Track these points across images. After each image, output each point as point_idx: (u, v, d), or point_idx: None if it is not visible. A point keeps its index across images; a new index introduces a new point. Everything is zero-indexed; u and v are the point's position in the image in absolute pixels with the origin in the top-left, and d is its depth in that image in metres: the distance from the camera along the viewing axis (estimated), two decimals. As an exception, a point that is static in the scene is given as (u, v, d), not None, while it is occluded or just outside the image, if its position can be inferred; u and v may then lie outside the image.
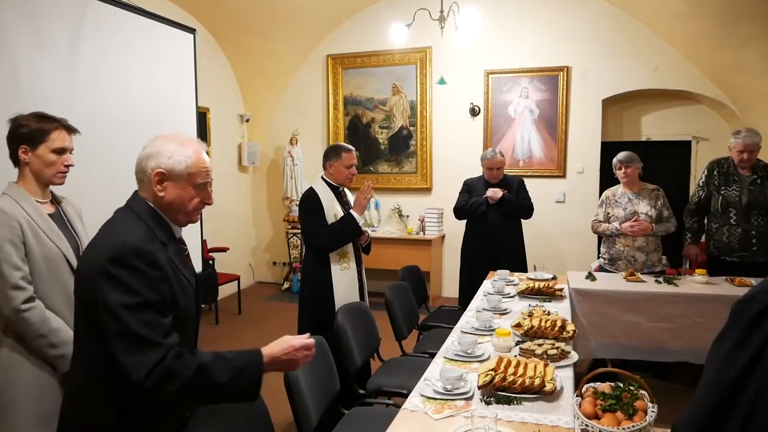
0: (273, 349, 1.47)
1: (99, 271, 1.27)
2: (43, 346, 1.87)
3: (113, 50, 3.62)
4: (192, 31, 4.41)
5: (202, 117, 5.70)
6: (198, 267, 4.51)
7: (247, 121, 6.86)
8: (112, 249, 1.29)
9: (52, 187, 2.08)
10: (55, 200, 2.09)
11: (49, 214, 1.99)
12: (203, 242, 4.80)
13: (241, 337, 5.12)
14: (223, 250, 5.88)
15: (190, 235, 4.37)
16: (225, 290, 5.94)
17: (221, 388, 1.32)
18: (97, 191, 3.53)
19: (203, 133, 5.81)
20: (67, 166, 2.03)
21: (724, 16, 4.69)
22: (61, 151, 1.99)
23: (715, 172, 3.81)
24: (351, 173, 3.28)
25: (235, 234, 6.62)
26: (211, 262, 5.52)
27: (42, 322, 1.87)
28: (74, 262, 1.98)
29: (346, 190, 3.41)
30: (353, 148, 3.36)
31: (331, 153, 3.30)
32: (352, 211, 3.17)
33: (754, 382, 0.69)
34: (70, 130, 2.05)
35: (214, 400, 1.41)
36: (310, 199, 3.21)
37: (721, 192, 3.72)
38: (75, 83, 3.35)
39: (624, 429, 1.48)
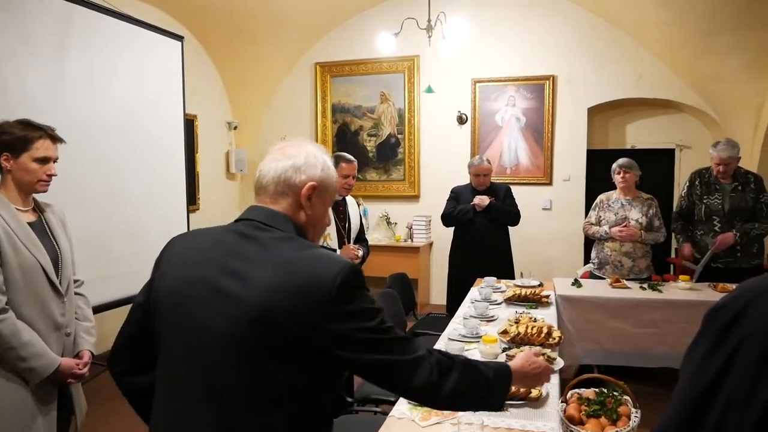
0: (516, 362, 1.41)
1: (325, 299, 1.10)
2: (13, 359, 1.82)
3: (101, 57, 3.62)
4: (180, 38, 4.41)
5: (189, 124, 5.68)
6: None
7: (235, 128, 6.85)
8: (339, 275, 1.11)
9: (37, 195, 2.05)
10: (38, 209, 2.05)
11: (29, 223, 1.95)
12: (190, 250, 4.78)
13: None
14: (211, 257, 5.84)
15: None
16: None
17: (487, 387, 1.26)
18: (85, 198, 3.52)
19: (190, 140, 5.79)
20: (50, 176, 2.00)
21: (706, 26, 4.78)
22: (44, 160, 1.96)
23: (696, 182, 3.87)
24: (347, 183, 3.29)
25: (223, 241, 6.59)
26: (198, 269, 5.49)
27: (13, 334, 1.81)
28: (52, 273, 1.93)
29: (347, 198, 3.43)
30: (354, 160, 3.36)
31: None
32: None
33: (725, 388, 0.70)
34: (56, 139, 2.02)
35: (471, 404, 1.32)
36: None
37: (704, 201, 3.78)
38: (62, 90, 3.34)
39: None
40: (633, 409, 1.59)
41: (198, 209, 6.09)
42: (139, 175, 3.97)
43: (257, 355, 1.10)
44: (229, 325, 1.10)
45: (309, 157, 1.26)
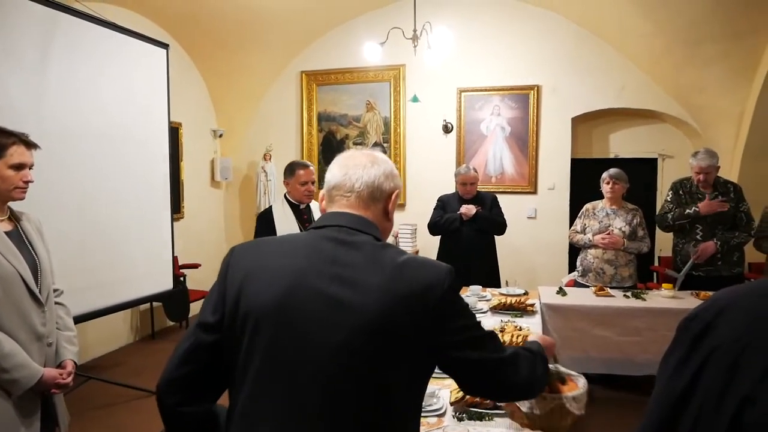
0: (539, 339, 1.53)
1: (436, 303, 1.13)
2: None
3: (84, 64, 3.59)
4: (165, 46, 4.39)
5: (174, 132, 5.65)
6: (169, 284, 4.49)
7: (220, 136, 6.82)
8: (446, 278, 1.16)
9: (12, 204, 2.01)
10: (14, 217, 2.01)
11: (6, 232, 1.92)
12: (174, 259, 4.74)
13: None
14: (195, 266, 5.81)
15: (160, 251, 4.35)
16: (196, 307, 5.84)
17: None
18: (67, 206, 3.48)
19: (175, 148, 5.76)
20: (27, 182, 1.96)
21: (687, 37, 4.86)
22: (19, 166, 1.93)
23: (679, 192, 3.92)
24: (307, 190, 3.30)
25: (207, 250, 6.54)
26: (182, 278, 5.44)
27: None
28: (31, 282, 1.90)
29: (311, 205, 3.43)
30: (310, 165, 3.39)
31: (287, 171, 3.34)
32: None
33: (697, 396, 0.72)
34: (30, 145, 1.98)
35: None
36: (261, 219, 3.27)
37: (686, 210, 3.83)
38: (44, 97, 3.31)
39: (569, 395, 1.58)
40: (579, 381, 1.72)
41: (182, 217, 6.05)
42: (122, 183, 3.93)
43: (377, 361, 1.10)
44: (349, 334, 1.09)
45: (393, 166, 1.31)
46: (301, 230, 3.24)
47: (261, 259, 1.20)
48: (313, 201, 3.47)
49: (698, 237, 3.80)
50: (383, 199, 1.27)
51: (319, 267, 1.15)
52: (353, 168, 1.26)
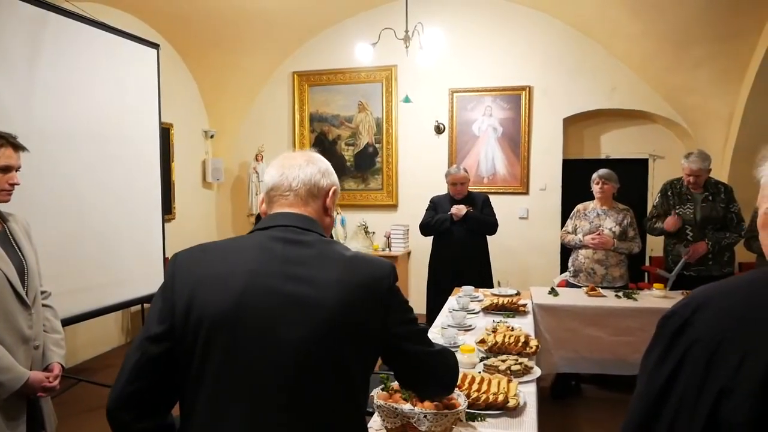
0: None
1: (384, 295, 1.21)
2: None
3: (74, 65, 3.56)
4: (155, 46, 4.37)
5: (165, 132, 5.62)
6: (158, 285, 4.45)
7: (212, 137, 6.80)
8: (391, 272, 1.24)
9: (0, 206, 1.98)
10: (1, 218, 1.99)
11: None
12: (165, 260, 4.71)
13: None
14: (186, 267, 5.76)
15: (150, 252, 4.32)
16: (188, 309, 5.82)
17: None
18: (56, 207, 3.45)
19: (166, 148, 5.73)
20: (13, 185, 1.94)
21: (676, 39, 4.89)
22: (5, 169, 1.90)
23: (669, 193, 3.95)
24: None
25: (199, 251, 6.51)
26: (173, 280, 5.40)
27: None
28: (18, 285, 1.87)
29: None
30: None
31: None
32: None
33: (676, 392, 0.74)
34: (17, 147, 1.95)
35: None
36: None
37: (677, 211, 3.85)
38: (33, 98, 3.28)
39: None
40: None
41: (174, 218, 6.02)
42: (112, 184, 3.91)
43: (338, 352, 1.14)
44: (311, 329, 1.12)
45: (328, 165, 1.36)
46: None
47: (209, 266, 1.19)
48: None
49: (689, 237, 3.82)
50: (321, 196, 1.31)
51: (271, 267, 1.17)
52: (289, 168, 1.30)
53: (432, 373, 1.34)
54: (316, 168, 1.31)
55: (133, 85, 4.11)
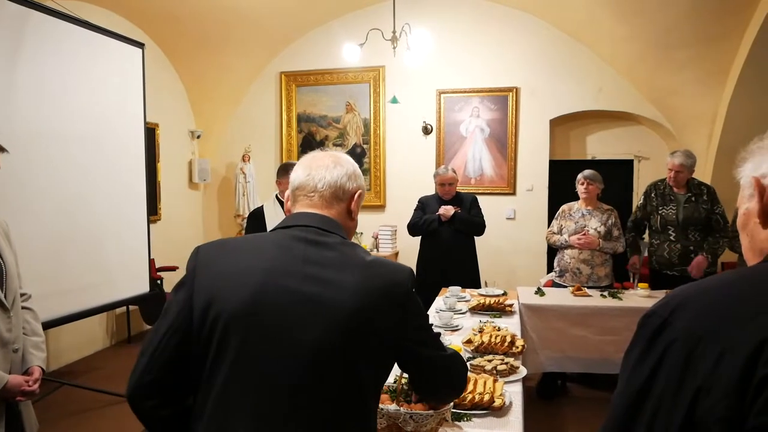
0: None
1: (401, 300, 1.19)
2: None
3: (57, 64, 3.52)
4: (141, 45, 4.33)
5: (151, 133, 5.58)
6: (146, 287, 4.42)
7: (198, 137, 6.75)
8: (409, 277, 1.22)
9: None
10: None
11: None
12: (151, 261, 4.67)
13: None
14: (172, 269, 5.73)
15: (136, 254, 4.28)
16: (174, 310, 5.77)
17: None
18: (40, 208, 3.41)
19: (152, 149, 5.68)
20: None
21: (661, 42, 4.94)
22: None
23: (652, 194, 3.99)
24: None
25: (185, 252, 6.38)
26: (159, 281, 5.37)
27: None
28: None
29: None
30: None
31: (281, 171, 3.31)
32: None
33: (655, 391, 0.75)
34: None
35: None
36: (252, 217, 3.23)
37: (660, 212, 3.89)
38: (15, 97, 3.23)
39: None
40: None
41: (159, 219, 5.97)
42: (97, 185, 3.87)
43: (352, 355, 1.13)
44: (326, 331, 1.12)
45: (356, 167, 1.35)
46: None
47: (229, 261, 1.20)
48: None
49: (671, 238, 3.86)
50: (346, 199, 1.30)
51: (290, 266, 1.17)
52: (316, 169, 1.30)
53: (447, 378, 1.34)
54: (344, 170, 1.30)
55: (117, 85, 4.07)
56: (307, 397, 1.11)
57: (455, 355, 1.37)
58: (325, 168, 1.29)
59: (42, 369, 2.03)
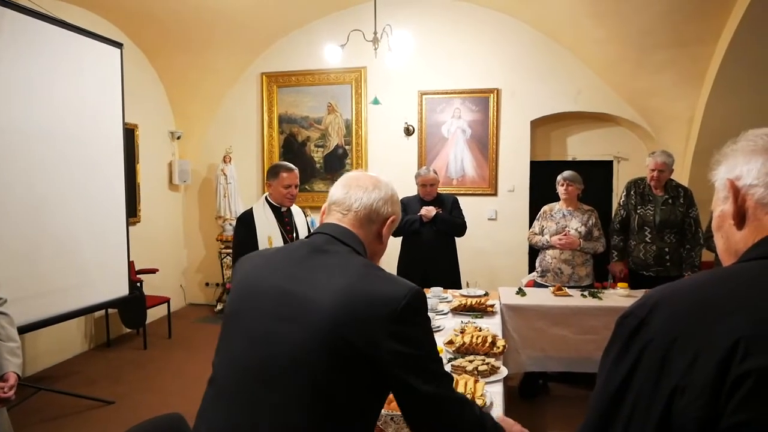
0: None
1: (392, 317, 1.11)
2: None
3: (33, 64, 3.46)
4: (119, 45, 4.28)
5: (129, 133, 5.52)
6: (125, 290, 4.36)
7: (178, 138, 6.68)
8: (407, 296, 1.14)
9: None
10: None
11: None
12: (130, 264, 4.61)
13: (170, 361, 4.93)
14: (152, 271, 5.67)
15: (115, 256, 4.22)
16: (154, 313, 5.71)
17: None
18: (14, 211, 3.35)
19: (131, 150, 5.61)
20: None
21: (639, 44, 5.01)
22: None
23: (632, 192, 4.03)
24: (289, 193, 3.25)
25: (165, 255, 6.40)
26: (139, 284, 5.30)
27: None
28: None
29: (292, 208, 3.38)
30: (294, 168, 3.33)
31: (270, 172, 3.29)
32: None
33: (631, 391, 0.75)
34: None
35: None
36: (242, 222, 3.19)
37: (638, 211, 3.94)
38: (-12, 97, 3.17)
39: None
40: None
41: (139, 221, 5.90)
42: (74, 186, 3.81)
43: (325, 364, 1.11)
44: (301, 332, 1.13)
45: (395, 193, 1.38)
46: (282, 233, 3.20)
47: (249, 264, 1.33)
48: (294, 205, 3.42)
49: (647, 239, 3.91)
50: (379, 222, 1.34)
51: (286, 268, 1.23)
52: (355, 189, 1.34)
53: (438, 422, 1.17)
54: (381, 194, 1.34)
55: (95, 85, 4.02)
56: (275, 395, 1.13)
57: (464, 401, 1.22)
58: (363, 189, 1.33)
59: (18, 375, 1.99)
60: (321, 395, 1.11)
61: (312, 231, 1.35)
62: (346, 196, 1.32)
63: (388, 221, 1.34)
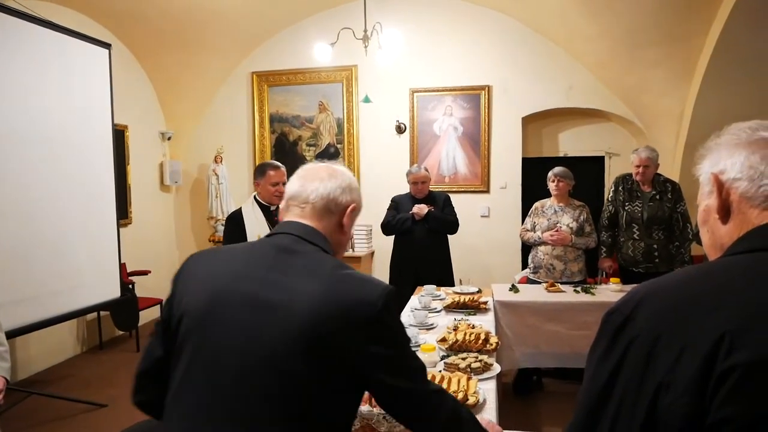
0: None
1: (367, 320, 1.10)
2: None
3: (20, 65, 3.43)
4: (107, 46, 4.25)
5: (119, 135, 5.48)
6: (117, 292, 4.34)
7: (169, 138, 6.65)
8: (383, 296, 1.13)
9: None
10: None
11: None
12: (122, 266, 4.59)
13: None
14: (144, 273, 5.64)
15: (106, 258, 4.20)
16: (147, 315, 5.69)
17: None
18: (4, 212, 3.32)
19: (121, 151, 5.58)
20: None
21: (631, 41, 5.02)
22: None
23: (620, 188, 4.04)
24: (277, 191, 3.24)
25: (157, 256, 6.37)
26: (131, 286, 5.27)
27: None
28: None
29: (281, 207, 3.38)
30: (281, 166, 3.32)
31: (257, 171, 3.28)
32: None
33: (618, 387, 0.75)
34: None
35: None
36: (231, 221, 3.19)
37: (626, 208, 3.95)
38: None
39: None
40: None
41: (130, 223, 5.87)
42: (64, 189, 3.78)
43: (301, 371, 1.07)
44: (278, 337, 1.08)
45: (352, 180, 1.33)
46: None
47: (204, 265, 1.24)
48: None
49: (635, 236, 3.92)
50: (338, 212, 1.29)
51: (253, 272, 1.17)
52: (311, 180, 1.30)
53: (421, 415, 1.20)
54: (337, 183, 1.29)
55: (83, 86, 3.99)
56: (246, 404, 1.08)
57: (441, 391, 1.26)
58: (319, 180, 1.29)
59: (6, 379, 1.98)
60: (297, 403, 1.08)
61: (273, 230, 1.28)
62: (301, 189, 1.29)
63: (348, 210, 1.30)
